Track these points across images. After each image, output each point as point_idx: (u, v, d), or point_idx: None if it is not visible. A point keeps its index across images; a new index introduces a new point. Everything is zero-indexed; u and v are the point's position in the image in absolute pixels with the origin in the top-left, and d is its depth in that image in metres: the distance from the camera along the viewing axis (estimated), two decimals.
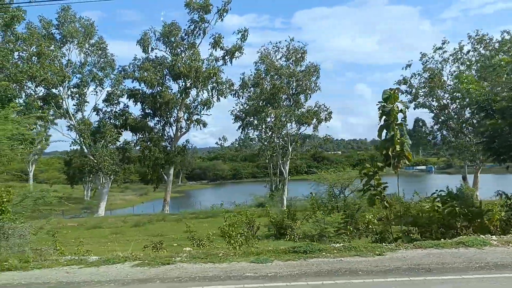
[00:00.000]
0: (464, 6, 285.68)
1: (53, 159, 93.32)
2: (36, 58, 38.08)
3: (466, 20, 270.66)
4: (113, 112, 46.80)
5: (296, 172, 64.96)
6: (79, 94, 45.15)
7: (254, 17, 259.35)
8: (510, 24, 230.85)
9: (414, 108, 47.51)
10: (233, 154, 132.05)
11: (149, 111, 47.72)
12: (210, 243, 16.62)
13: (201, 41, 46.89)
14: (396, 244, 10.50)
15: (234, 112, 48.58)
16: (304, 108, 46.16)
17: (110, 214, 47.55)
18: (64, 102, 43.60)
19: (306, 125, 45.96)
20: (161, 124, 48.54)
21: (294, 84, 45.38)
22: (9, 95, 31.86)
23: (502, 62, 19.76)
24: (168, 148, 47.42)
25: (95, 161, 43.22)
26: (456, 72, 45.27)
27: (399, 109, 13.36)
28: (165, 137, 48.31)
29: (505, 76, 20.01)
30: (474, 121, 44.12)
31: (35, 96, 40.83)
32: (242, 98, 48.03)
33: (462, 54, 44.70)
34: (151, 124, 48.10)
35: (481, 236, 11.27)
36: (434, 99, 47.36)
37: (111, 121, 46.34)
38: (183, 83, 46.56)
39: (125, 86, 47.39)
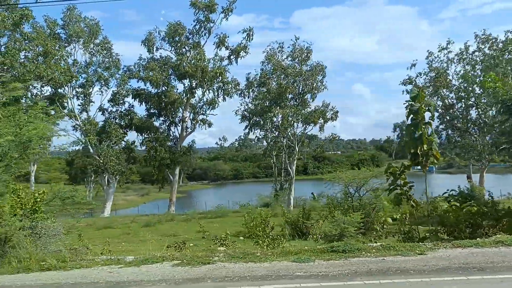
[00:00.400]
0: (462, 6, 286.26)
1: (54, 159, 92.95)
2: (42, 57, 37.89)
3: (464, 20, 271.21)
4: (118, 112, 46.68)
5: (297, 172, 64.98)
6: (85, 94, 45.00)
7: (253, 17, 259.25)
8: (508, 24, 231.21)
9: None
10: (233, 154, 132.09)
11: (154, 111, 47.61)
12: (232, 243, 16.62)
13: (206, 41, 46.79)
14: (435, 244, 10.48)
15: (239, 112, 48.61)
16: (311, 107, 46.17)
17: (115, 214, 47.42)
18: (70, 102, 43.52)
19: (313, 125, 45.90)
20: (166, 124, 48.44)
21: (301, 83, 45.33)
22: (16, 96, 31.65)
23: None
24: (174, 148, 47.29)
25: (101, 161, 43.10)
26: (461, 72, 45.45)
27: (427, 108, 13.39)
28: (171, 137, 48.22)
29: None
30: (481, 121, 44.52)
31: (41, 96, 40.67)
32: (248, 98, 47.96)
33: (468, 54, 44.72)
34: (156, 124, 48.04)
35: None
36: (439, 99, 47.40)
37: (117, 121, 46.22)
38: (189, 83, 46.49)
39: (130, 86, 47.30)
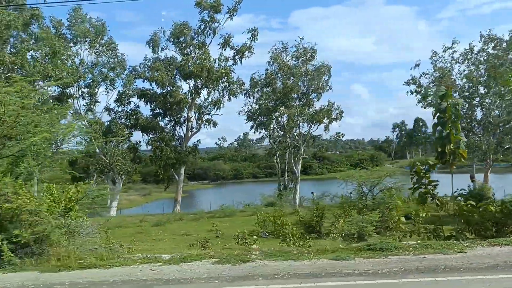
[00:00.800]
0: (461, 6, 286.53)
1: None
2: (50, 57, 37.79)
3: (463, 20, 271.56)
4: (124, 112, 46.66)
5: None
6: (90, 94, 44.95)
7: (251, 17, 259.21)
8: (507, 24, 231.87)
9: (425, 108, 47.55)
10: (233, 154, 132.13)
11: (159, 111, 47.63)
12: (254, 241, 16.68)
13: (211, 41, 46.78)
14: (471, 242, 10.54)
15: (242, 112, 48.74)
16: (316, 107, 46.30)
17: (120, 213, 47.35)
18: (76, 101, 43.44)
19: (318, 125, 46.01)
20: (172, 124, 48.45)
21: (306, 83, 45.44)
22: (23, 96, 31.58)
23: None
24: (179, 148, 47.29)
25: (107, 161, 43.06)
26: (465, 72, 45.62)
27: (454, 107, 13.45)
28: (176, 137, 48.23)
29: None
30: (485, 120, 44.69)
31: (48, 96, 40.50)
32: (253, 98, 48.03)
33: (473, 54, 44.84)
34: (161, 124, 48.04)
35: None
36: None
37: (122, 121, 46.21)
38: (194, 83, 46.50)
39: (136, 86, 47.30)
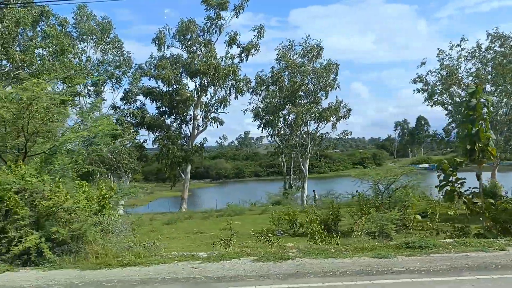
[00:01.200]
0: (460, 4, 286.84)
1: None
2: (57, 55, 37.61)
3: (462, 18, 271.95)
4: (130, 110, 46.48)
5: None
6: (97, 92, 44.80)
7: (251, 16, 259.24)
8: (507, 22, 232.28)
9: (432, 106, 47.54)
10: (234, 153, 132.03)
11: (165, 109, 47.49)
12: (277, 240, 16.57)
13: (217, 39, 46.66)
14: (509, 240, 10.48)
15: (250, 111, 48.63)
16: (323, 105, 46.20)
17: (126, 212, 47.15)
18: (83, 99, 43.25)
19: (325, 123, 45.91)
20: (178, 122, 48.31)
21: (314, 81, 45.36)
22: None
23: None
24: (185, 146, 47.17)
25: (114, 159, 42.94)
26: (472, 70, 45.67)
27: (484, 104, 13.39)
28: (182, 135, 48.10)
29: None
30: (492, 119, 44.67)
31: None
32: (259, 96, 47.93)
33: (481, 52, 44.83)
34: (167, 122, 47.93)
35: None
36: (448, 97, 47.51)
37: (128, 119, 46.04)
38: (200, 81, 46.35)
39: (142, 83, 47.17)
